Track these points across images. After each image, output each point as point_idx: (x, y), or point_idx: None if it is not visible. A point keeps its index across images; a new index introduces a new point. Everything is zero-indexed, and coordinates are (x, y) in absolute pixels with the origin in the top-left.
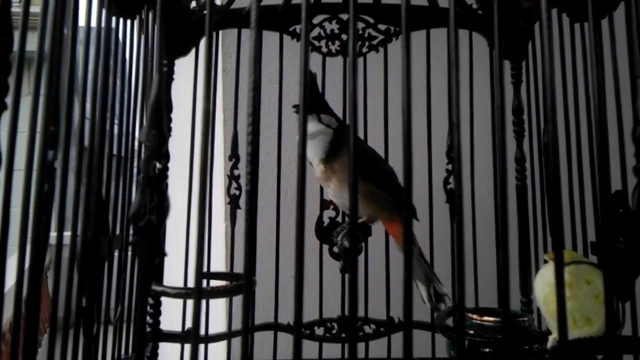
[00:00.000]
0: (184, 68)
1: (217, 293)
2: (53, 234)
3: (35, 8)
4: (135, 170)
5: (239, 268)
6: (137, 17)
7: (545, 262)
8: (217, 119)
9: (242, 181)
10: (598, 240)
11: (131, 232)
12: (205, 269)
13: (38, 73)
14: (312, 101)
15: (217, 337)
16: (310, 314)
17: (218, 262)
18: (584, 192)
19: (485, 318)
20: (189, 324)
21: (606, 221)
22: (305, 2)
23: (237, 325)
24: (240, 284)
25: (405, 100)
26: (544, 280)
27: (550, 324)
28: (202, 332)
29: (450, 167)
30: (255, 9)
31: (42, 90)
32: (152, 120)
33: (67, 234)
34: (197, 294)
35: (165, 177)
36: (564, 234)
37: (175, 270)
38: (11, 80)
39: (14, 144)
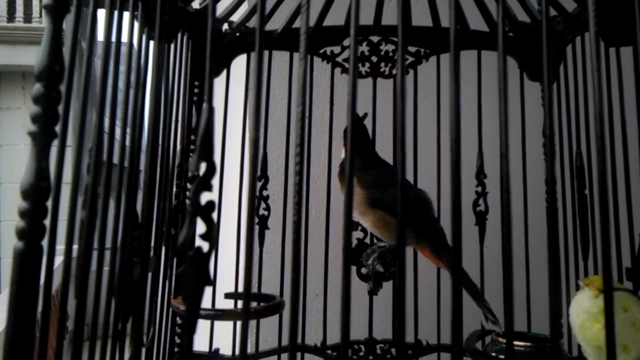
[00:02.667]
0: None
1: (259, 314)
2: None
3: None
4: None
5: (266, 287)
6: (174, 40)
7: (577, 288)
8: (246, 138)
9: (270, 202)
10: (634, 266)
11: (164, 253)
12: (233, 289)
13: (84, 99)
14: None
15: (247, 358)
16: (336, 335)
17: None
18: (619, 216)
19: (517, 343)
20: (216, 344)
21: None
22: (353, 43)
23: (264, 345)
24: (270, 306)
25: (453, 125)
26: (579, 307)
27: (587, 351)
28: (229, 352)
29: (479, 189)
30: (304, 41)
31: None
32: (201, 149)
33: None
34: (246, 316)
35: (214, 206)
36: (612, 265)
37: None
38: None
39: (62, 173)
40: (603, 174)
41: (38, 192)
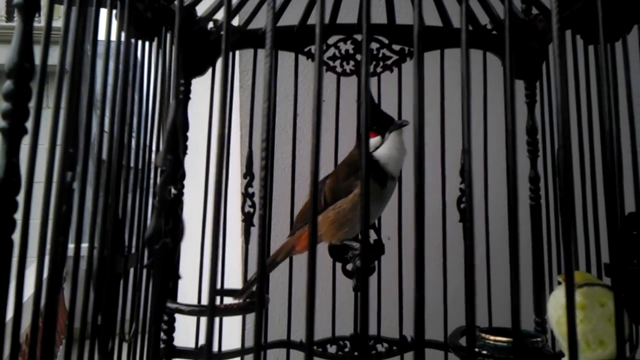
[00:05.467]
0: (200, 84)
1: (230, 311)
2: (70, 245)
3: (56, 22)
4: (151, 186)
5: None
6: (156, 38)
7: (559, 283)
8: (234, 135)
9: (256, 199)
10: (612, 262)
11: (146, 251)
12: (219, 286)
13: (58, 92)
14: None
15: (229, 354)
16: (322, 331)
17: (234, 279)
18: (598, 213)
19: (499, 338)
20: (202, 340)
21: (620, 243)
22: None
23: (250, 342)
24: (254, 302)
25: (416, 121)
26: (556, 302)
27: (564, 346)
28: (216, 348)
29: (463, 186)
30: (270, 38)
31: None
32: (168, 145)
33: (85, 245)
34: (211, 311)
35: (181, 201)
36: (574, 256)
37: (190, 286)
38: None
39: (34, 167)
40: (567, 171)
41: (8, 186)
